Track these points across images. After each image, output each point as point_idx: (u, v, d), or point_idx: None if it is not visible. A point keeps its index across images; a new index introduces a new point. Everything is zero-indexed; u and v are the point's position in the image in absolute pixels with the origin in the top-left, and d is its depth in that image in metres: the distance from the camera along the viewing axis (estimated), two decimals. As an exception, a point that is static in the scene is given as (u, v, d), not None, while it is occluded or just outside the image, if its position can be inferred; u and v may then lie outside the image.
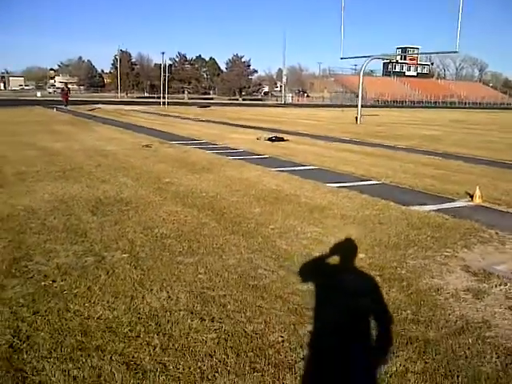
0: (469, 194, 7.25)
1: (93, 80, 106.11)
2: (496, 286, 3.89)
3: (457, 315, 3.34)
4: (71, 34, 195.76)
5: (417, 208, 6.45)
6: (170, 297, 3.52)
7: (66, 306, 3.31)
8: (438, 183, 8.27)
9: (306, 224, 5.53)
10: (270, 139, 15.27)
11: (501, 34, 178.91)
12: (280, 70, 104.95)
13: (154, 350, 2.81)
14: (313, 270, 4.18)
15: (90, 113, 30.97)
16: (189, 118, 28.02)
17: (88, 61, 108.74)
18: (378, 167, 10.06)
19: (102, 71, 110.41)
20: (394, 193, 7.49)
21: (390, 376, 2.61)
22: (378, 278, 3.98)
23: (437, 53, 44.18)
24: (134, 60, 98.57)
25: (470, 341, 2.98)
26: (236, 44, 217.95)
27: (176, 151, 12.06)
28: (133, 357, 2.73)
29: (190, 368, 2.64)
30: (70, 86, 57.30)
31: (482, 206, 6.75)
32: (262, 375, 2.60)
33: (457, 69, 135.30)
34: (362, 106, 28.33)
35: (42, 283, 3.69)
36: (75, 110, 33.71)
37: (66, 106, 35.93)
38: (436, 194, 7.49)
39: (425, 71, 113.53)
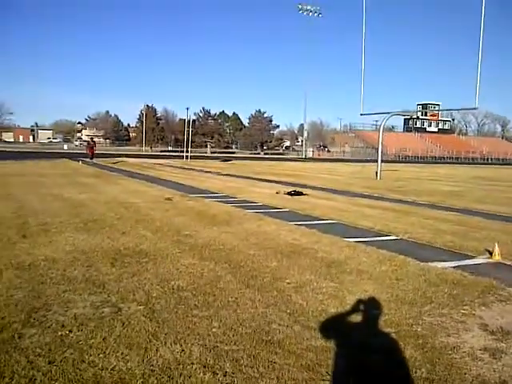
0: (488, 250, 7.17)
1: (118, 134, 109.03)
2: (514, 345, 3.80)
3: (473, 375, 3.28)
4: (100, 89, 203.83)
5: (435, 264, 6.39)
6: (183, 350, 3.54)
7: (81, 356, 3.36)
8: (458, 239, 8.20)
9: (323, 279, 5.53)
10: (289, 193, 15.40)
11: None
12: (301, 125, 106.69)
13: (165, 403, 2.82)
14: (327, 326, 4.15)
15: (114, 166, 31.71)
16: (210, 172, 28.45)
17: (115, 115, 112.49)
18: (396, 222, 10.03)
19: (128, 125, 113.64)
20: (412, 249, 7.44)
21: None
22: (393, 335, 3.95)
23: (457, 109, 44.75)
24: (159, 115, 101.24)
25: (486, 402, 2.93)
26: (259, 99, 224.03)
27: (196, 204, 12.23)
28: (144, 409, 2.74)
29: (199, 422, 2.64)
30: (96, 139, 58.57)
31: (502, 263, 6.65)
32: (271, 432, 2.58)
33: (479, 124, 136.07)
34: (382, 162, 28.46)
35: (59, 333, 3.75)
36: (100, 162, 34.57)
37: (91, 158, 36.78)
38: (455, 250, 7.41)
39: (446, 127, 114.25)
